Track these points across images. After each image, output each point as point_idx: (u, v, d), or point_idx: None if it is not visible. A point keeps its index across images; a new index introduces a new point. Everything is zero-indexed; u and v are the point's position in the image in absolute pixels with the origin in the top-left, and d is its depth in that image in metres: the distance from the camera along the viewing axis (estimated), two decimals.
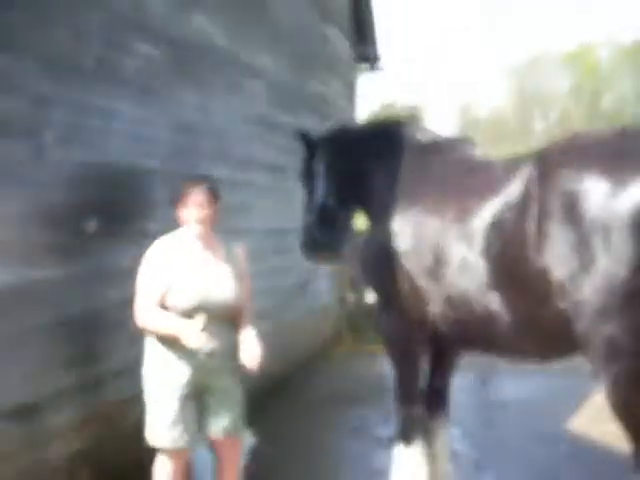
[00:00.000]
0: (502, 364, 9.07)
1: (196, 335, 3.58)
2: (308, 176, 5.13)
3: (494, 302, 3.68)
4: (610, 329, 3.17)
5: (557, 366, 8.71)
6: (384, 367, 8.64)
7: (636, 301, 3.09)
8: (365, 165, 4.85)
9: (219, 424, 4.00)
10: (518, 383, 8.19)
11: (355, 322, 10.41)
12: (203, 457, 4.79)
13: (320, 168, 5.02)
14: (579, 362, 8.57)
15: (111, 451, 4.67)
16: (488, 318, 3.75)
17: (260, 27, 6.82)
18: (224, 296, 3.89)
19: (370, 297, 11.17)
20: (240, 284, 4.00)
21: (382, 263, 4.39)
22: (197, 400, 3.93)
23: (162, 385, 3.85)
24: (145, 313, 3.80)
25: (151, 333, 3.85)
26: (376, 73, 11.26)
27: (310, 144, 5.15)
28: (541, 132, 75.36)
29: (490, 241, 3.65)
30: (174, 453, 3.93)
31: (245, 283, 4.06)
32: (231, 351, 3.93)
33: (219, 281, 3.90)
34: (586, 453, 5.97)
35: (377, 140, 4.88)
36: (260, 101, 6.83)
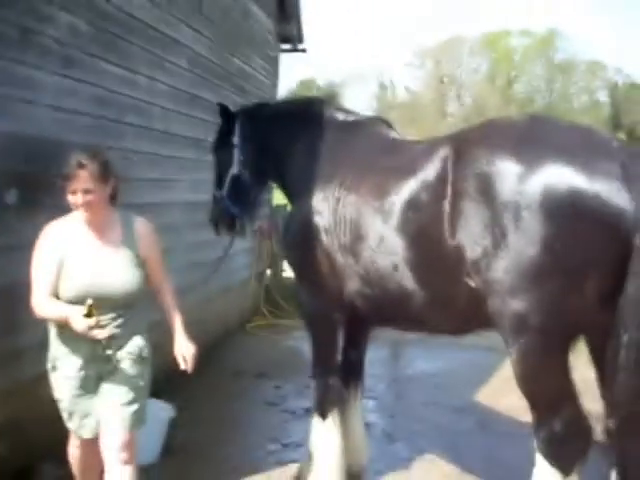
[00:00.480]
0: (413, 338, 9.42)
1: (82, 321, 3.35)
2: (222, 149, 5.12)
3: (409, 279, 3.85)
4: (519, 305, 3.38)
5: (465, 341, 9.13)
6: (300, 341, 8.87)
7: (543, 280, 3.31)
8: (283, 141, 4.94)
9: (114, 417, 3.76)
10: (428, 357, 8.54)
11: (272, 297, 10.54)
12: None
13: (236, 141, 5.06)
14: (486, 337, 9.02)
15: (30, 425, 4.68)
16: (403, 294, 3.92)
17: (183, 2, 6.80)
18: (117, 282, 3.67)
19: (287, 272, 11.32)
20: (144, 265, 3.81)
21: (302, 240, 4.49)
22: (96, 389, 3.77)
23: (59, 375, 3.73)
24: (37, 301, 3.58)
25: (50, 321, 3.71)
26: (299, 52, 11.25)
27: (229, 117, 5.13)
28: (456, 115, 76.86)
29: (406, 219, 3.82)
30: (81, 440, 3.90)
31: (153, 260, 3.86)
32: (134, 337, 3.86)
33: (112, 267, 3.68)
34: (493, 423, 6.30)
35: (296, 117, 4.97)
36: (182, 76, 6.83)
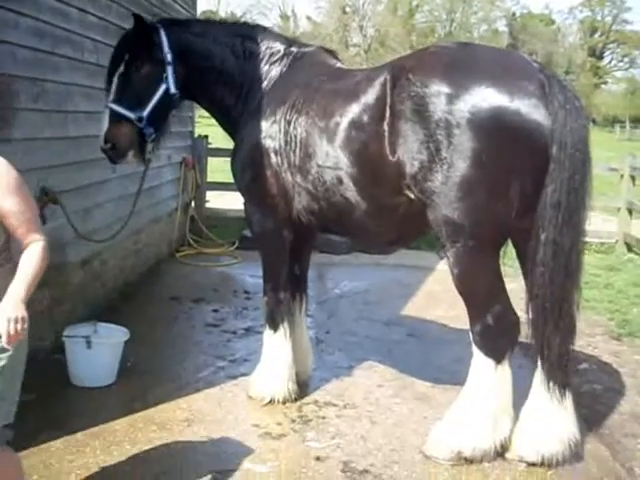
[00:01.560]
0: (337, 260, 9.89)
1: None
2: (142, 63, 4.80)
3: (354, 191, 4.26)
4: (453, 213, 3.86)
5: (388, 260, 9.70)
6: (230, 268, 9.19)
7: (473, 189, 3.76)
8: (227, 63, 4.97)
9: None
10: (354, 277, 9.01)
11: (197, 227, 10.75)
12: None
13: (169, 57, 4.84)
14: (408, 256, 9.58)
15: None
16: (348, 206, 4.33)
17: None
18: None
19: (211, 203, 11.54)
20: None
21: (252, 163, 4.76)
22: None
23: None
24: None
25: None
26: None
27: (149, 30, 4.85)
28: (359, 46, 76.87)
29: (349, 137, 4.21)
30: None
31: (7, 209, 2.96)
32: None
33: None
34: (422, 331, 6.83)
35: (241, 39, 5.00)
36: (110, 9, 6.85)
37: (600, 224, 13.41)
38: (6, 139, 4.94)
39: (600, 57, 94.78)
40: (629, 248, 11.29)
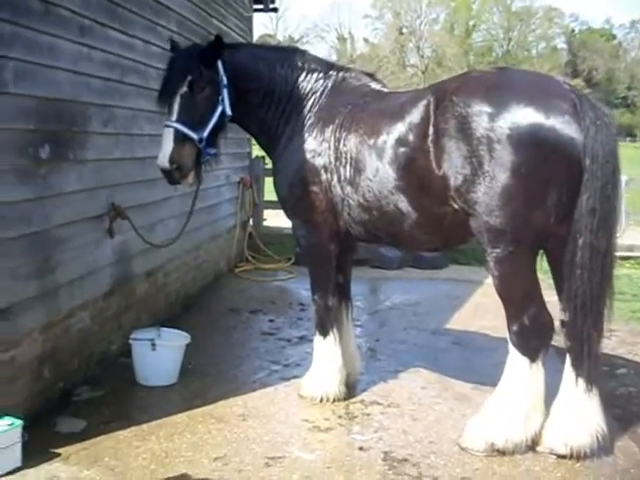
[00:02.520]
0: (390, 275, 10.27)
1: None
2: (202, 86, 4.97)
3: (403, 202, 4.65)
4: (494, 221, 4.25)
5: (439, 275, 10.03)
6: (285, 282, 9.61)
7: (513, 198, 4.15)
8: (271, 85, 5.29)
9: None
10: (405, 290, 9.36)
11: (255, 243, 11.24)
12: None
13: (224, 80, 5.08)
14: (459, 272, 9.92)
15: (65, 354, 5.36)
16: (398, 216, 4.72)
17: None
18: None
19: (268, 221, 12.02)
20: None
21: (300, 180, 5.12)
22: None
23: None
24: None
25: None
26: (270, 12, 11.77)
27: (210, 54, 5.05)
28: (416, 66, 77.19)
29: (397, 154, 4.61)
30: None
31: None
32: None
33: None
34: (466, 341, 7.11)
35: (286, 62, 5.33)
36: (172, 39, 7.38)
37: None
38: (81, 160, 5.47)
39: None
40: None
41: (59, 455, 4.41)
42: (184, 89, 4.91)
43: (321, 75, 5.31)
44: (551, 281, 4.70)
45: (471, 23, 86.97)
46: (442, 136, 4.37)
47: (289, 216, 5.45)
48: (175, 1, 7.49)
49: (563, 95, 4.24)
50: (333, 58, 76.06)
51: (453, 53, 75.24)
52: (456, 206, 4.44)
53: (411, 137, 4.58)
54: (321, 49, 79.69)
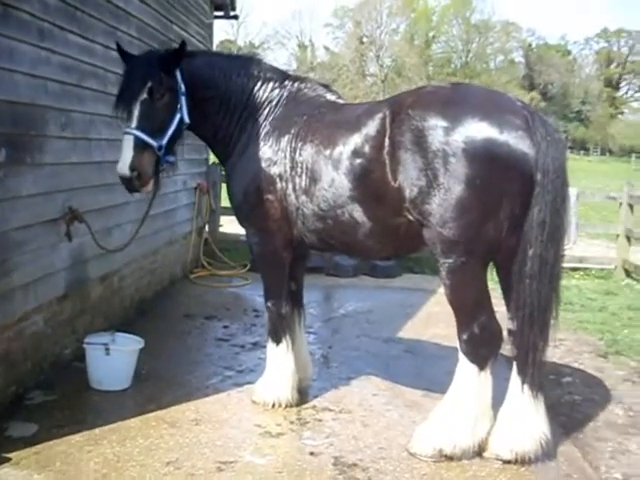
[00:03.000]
0: (344, 282, 10.38)
1: None
2: (159, 94, 4.94)
3: (359, 212, 4.75)
4: (448, 232, 4.37)
5: (392, 284, 10.17)
6: (240, 289, 9.65)
7: (467, 210, 4.28)
8: (226, 93, 5.32)
9: None
10: (359, 298, 9.46)
11: (211, 249, 11.26)
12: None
13: (182, 87, 5.09)
14: (411, 280, 10.07)
15: (18, 357, 5.35)
16: (353, 225, 4.82)
17: None
18: None
19: (224, 227, 12.04)
20: None
21: (255, 189, 5.17)
22: None
23: None
24: None
25: None
26: (230, 19, 11.81)
27: (168, 61, 5.03)
28: (375, 76, 77.72)
29: (353, 165, 4.71)
30: None
31: None
32: None
33: None
34: (418, 348, 7.25)
35: (242, 71, 5.37)
36: (132, 44, 7.38)
37: (604, 251, 13.88)
38: (38, 163, 5.47)
39: (616, 88, 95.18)
40: (627, 274, 11.67)
41: (9, 460, 4.40)
42: (144, 95, 4.89)
43: (277, 84, 5.38)
44: (500, 291, 4.83)
45: (431, 34, 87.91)
46: (398, 149, 4.48)
47: (243, 224, 5.49)
48: (136, 6, 7.51)
49: (516, 111, 4.38)
50: (293, 65, 76.37)
51: (413, 63, 75.87)
52: (410, 217, 4.54)
53: (367, 149, 4.68)
54: (281, 56, 80.00)
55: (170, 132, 5.04)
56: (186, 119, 5.16)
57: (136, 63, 5.11)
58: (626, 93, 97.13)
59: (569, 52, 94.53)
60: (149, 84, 4.90)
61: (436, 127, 4.34)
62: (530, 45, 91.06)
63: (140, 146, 4.87)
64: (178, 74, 5.10)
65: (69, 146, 6.05)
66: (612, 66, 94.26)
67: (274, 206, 5.12)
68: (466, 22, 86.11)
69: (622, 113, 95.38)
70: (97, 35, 6.53)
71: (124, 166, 4.84)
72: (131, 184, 4.93)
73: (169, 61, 5.05)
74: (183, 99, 5.13)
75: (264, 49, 78.71)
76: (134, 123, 4.88)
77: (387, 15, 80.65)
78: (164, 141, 5.00)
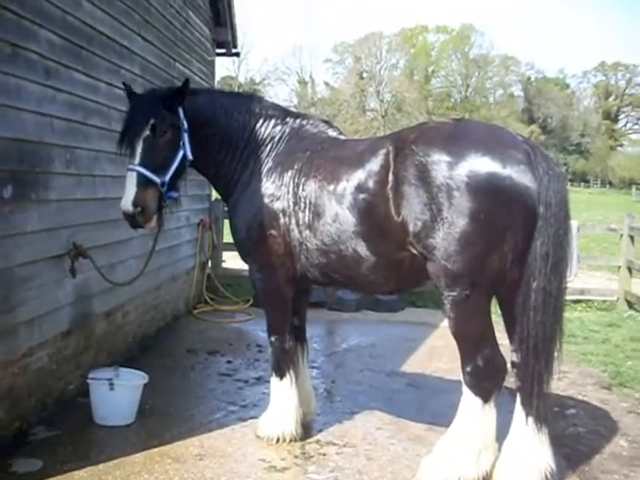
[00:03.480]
0: (347, 317, 10.39)
1: None
2: (162, 131, 5.03)
3: (362, 247, 4.78)
4: (452, 266, 4.40)
5: (395, 318, 10.17)
6: (243, 324, 9.66)
7: (471, 243, 4.32)
8: (228, 130, 5.40)
9: None
10: (362, 333, 9.45)
11: (214, 285, 11.29)
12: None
13: (184, 124, 5.17)
14: (415, 314, 10.08)
15: (22, 392, 5.36)
16: (356, 259, 4.85)
17: (134, 14, 7.48)
18: None
19: (227, 263, 12.08)
20: None
21: (258, 225, 5.21)
22: None
23: None
24: None
25: None
26: (232, 56, 11.99)
27: (172, 98, 5.13)
28: (375, 111, 78.27)
29: (356, 200, 4.75)
30: None
31: None
32: None
33: None
34: (421, 382, 7.24)
35: (243, 109, 5.47)
36: (135, 82, 7.49)
37: (606, 283, 13.88)
38: (43, 200, 5.53)
39: (615, 120, 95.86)
40: (630, 305, 11.67)
41: None
42: (147, 132, 4.97)
43: (279, 121, 5.46)
44: (502, 324, 4.84)
45: (430, 69, 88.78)
46: (402, 183, 4.53)
47: (245, 259, 5.52)
48: (139, 45, 7.64)
49: (517, 145, 4.45)
50: (294, 101, 76.98)
51: (412, 98, 76.54)
52: (414, 251, 4.58)
53: (371, 184, 4.73)
54: (282, 92, 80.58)
55: (173, 168, 5.12)
56: (189, 156, 5.23)
57: (139, 101, 5.21)
58: (625, 125, 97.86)
59: (567, 85, 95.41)
60: (152, 121, 4.98)
61: (440, 162, 4.40)
62: (529, 79, 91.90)
63: (143, 182, 4.94)
64: (181, 111, 5.18)
65: (74, 183, 6.12)
66: (610, 99, 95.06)
67: (277, 241, 5.16)
68: (465, 57, 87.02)
69: (621, 145, 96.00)
70: (101, 73, 6.64)
71: (127, 202, 4.92)
72: (134, 220, 4.99)
73: (172, 98, 5.14)
74: (186, 136, 5.20)
75: (265, 85, 79.46)
76: (137, 160, 4.96)
77: (387, 51, 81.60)
78: (167, 177, 5.07)
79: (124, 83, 5.45)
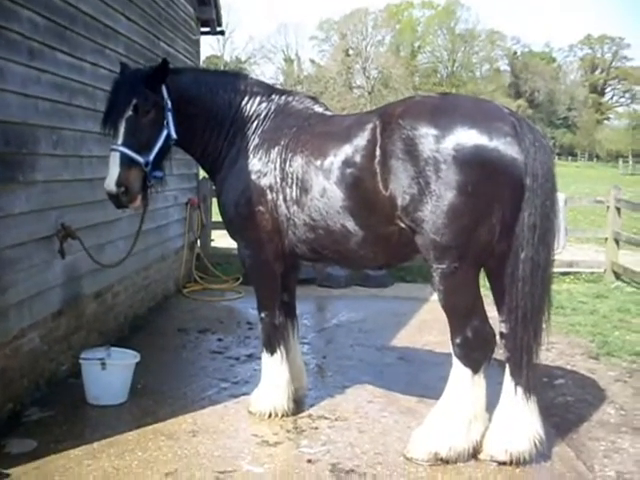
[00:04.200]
0: (336, 293, 10.44)
1: None
2: (145, 110, 5.03)
3: (350, 221, 4.80)
4: (441, 238, 4.43)
5: (385, 293, 10.22)
6: (233, 302, 9.69)
7: (459, 216, 4.35)
8: (213, 109, 5.41)
9: None
10: (351, 308, 9.50)
11: (203, 264, 11.30)
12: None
13: (169, 104, 5.18)
14: (404, 289, 10.13)
15: (15, 373, 5.38)
16: (345, 234, 4.87)
17: None
18: None
19: (216, 242, 12.09)
20: None
21: (246, 201, 5.22)
22: None
23: None
24: None
25: None
26: (217, 35, 11.92)
27: (152, 78, 5.11)
28: (362, 87, 78.00)
29: (344, 175, 4.77)
30: None
31: None
32: None
33: None
34: (412, 355, 7.31)
35: (228, 86, 5.47)
36: (119, 61, 7.46)
37: (594, 255, 13.99)
38: (30, 181, 5.52)
39: (602, 93, 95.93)
40: (617, 276, 11.76)
41: (9, 476, 4.42)
42: (129, 113, 4.98)
43: (264, 98, 5.46)
44: (491, 297, 4.90)
45: (416, 45, 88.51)
46: (389, 158, 4.55)
47: (234, 237, 5.54)
48: (123, 25, 7.58)
49: (503, 118, 4.46)
50: (280, 79, 76.62)
51: (399, 74, 76.30)
52: (402, 225, 4.61)
53: (358, 158, 4.74)
54: (268, 70, 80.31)
55: (157, 148, 5.12)
56: (173, 135, 5.23)
57: (121, 81, 5.20)
58: (611, 99, 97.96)
59: (554, 59, 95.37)
60: (134, 101, 4.99)
61: (427, 135, 4.41)
62: (515, 53, 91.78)
63: (126, 163, 4.96)
64: (164, 91, 5.18)
65: (61, 164, 6.10)
66: (597, 72, 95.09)
67: (265, 217, 5.17)
68: (451, 32, 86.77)
69: (608, 119, 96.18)
70: (86, 53, 6.60)
71: (111, 182, 4.94)
72: (119, 200, 5.03)
73: (154, 78, 5.13)
74: (170, 115, 5.20)
75: (251, 64, 79.07)
76: (120, 140, 4.98)
77: (372, 27, 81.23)
78: (151, 157, 5.08)
79: (121, 63, 5.41)
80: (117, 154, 4.95)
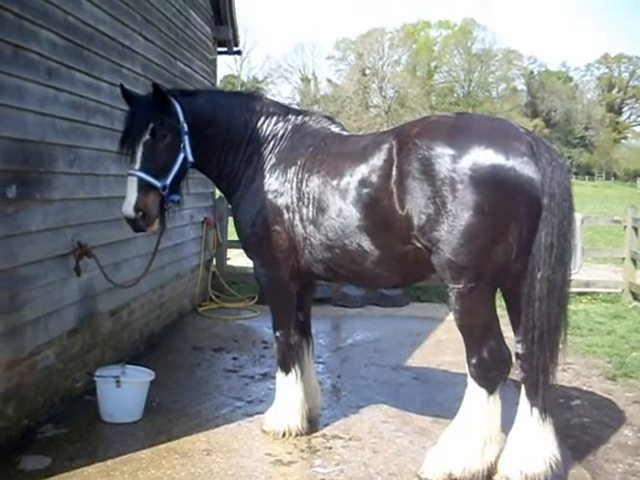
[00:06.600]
0: (352, 313, 10.41)
1: None
2: (162, 134, 5.06)
3: (366, 241, 4.80)
4: (457, 258, 4.41)
5: (400, 312, 10.19)
6: (248, 321, 9.69)
7: (476, 235, 4.34)
8: (229, 130, 5.43)
9: None
10: (367, 328, 9.49)
11: (218, 283, 11.32)
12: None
13: (185, 127, 5.19)
14: (420, 309, 10.09)
15: (30, 391, 5.39)
16: (361, 254, 4.87)
17: (135, 13, 7.50)
18: None
19: (232, 261, 12.12)
20: None
21: (262, 221, 5.24)
22: None
23: None
24: None
25: None
26: (234, 55, 12.02)
27: (167, 101, 5.16)
28: (378, 107, 78.16)
29: (361, 195, 4.78)
30: None
31: None
32: None
33: None
34: (427, 375, 7.26)
35: (244, 108, 5.50)
36: (137, 81, 7.53)
37: (611, 275, 13.89)
38: (48, 199, 5.57)
39: (619, 112, 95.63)
40: (634, 297, 11.68)
41: None
42: (146, 137, 5.01)
43: (280, 118, 5.48)
44: (507, 317, 4.85)
45: (433, 65, 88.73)
46: (406, 177, 4.55)
47: (250, 255, 5.54)
48: (141, 44, 7.67)
49: (520, 137, 4.45)
50: (297, 98, 76.96)
51: (415, 94, 76.44)
52: (419, 244, 4.60)
53: (374, 178, 4.74)
54: (285, 90, 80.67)
55: (174, 172, 5.15)
56: (190, 158, 5.26)
57: (137, 105, 5.22)
58: (629, 118, 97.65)
59: (570, 78, 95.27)
60: (151, 125, 5.02)
61: (443, 155, 4.40)
62: (532, 72, 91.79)
63: (144, 187, 4.98)
64: (180, 114, 5.20)
65: (77, 182, 6.15)
66: (614, 91, 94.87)
67: (282, 237, 5.19)
68: (467, 51, 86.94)
69: (625, 138, 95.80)
70: (103, 73, 6.66)
71: (129, 207, 4.97)
72: (136, 224, 5.06)
73: (164, 103, 5.14)
74: (186, 138, 5.22)
75: (267, 83, 79.52)
76: (137, 164, 5.00)
77: (389, 47, 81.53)
78: (168, 181, 5.10)
79: (121, 85, 5.43)
80: (135, 179, 4.98)
